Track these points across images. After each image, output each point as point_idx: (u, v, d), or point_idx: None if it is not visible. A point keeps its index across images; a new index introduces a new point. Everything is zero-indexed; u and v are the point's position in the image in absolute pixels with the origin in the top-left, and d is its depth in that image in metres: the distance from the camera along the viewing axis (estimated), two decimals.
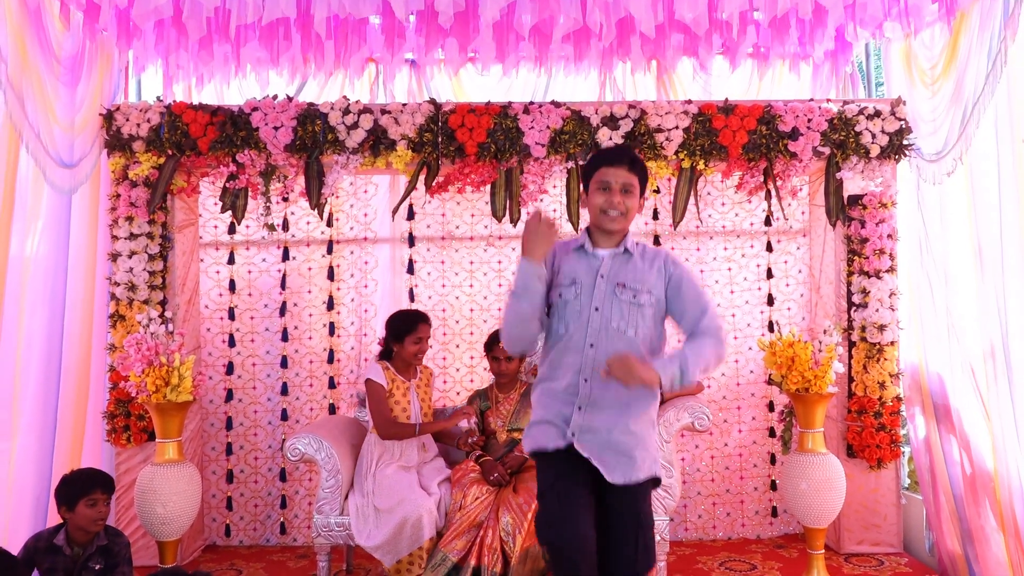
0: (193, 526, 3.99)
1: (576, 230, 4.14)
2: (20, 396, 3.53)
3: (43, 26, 3.57)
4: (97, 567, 3.08)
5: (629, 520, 2.42)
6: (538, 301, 2.42)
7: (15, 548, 3.11)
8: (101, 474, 3.18)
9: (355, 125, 4.02)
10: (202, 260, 4.47)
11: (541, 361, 2.55)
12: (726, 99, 4.13)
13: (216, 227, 4.51)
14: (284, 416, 4.48)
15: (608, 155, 2.52)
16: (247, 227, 4.44)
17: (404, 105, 4.09)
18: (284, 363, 4.48)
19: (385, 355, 3.85)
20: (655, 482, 2.50)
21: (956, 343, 3.79)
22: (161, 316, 3.77)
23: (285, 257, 4.48)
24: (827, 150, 4.07)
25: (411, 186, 4.08)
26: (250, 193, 4.11)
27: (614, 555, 2.39)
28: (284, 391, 4.48)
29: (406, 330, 3.78)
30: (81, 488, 3.06)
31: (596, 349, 2.41)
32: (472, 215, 4.61)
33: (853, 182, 4.13)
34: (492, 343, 3.92)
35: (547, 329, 2.51)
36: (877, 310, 4.04)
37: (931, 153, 3.92)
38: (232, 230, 4.38)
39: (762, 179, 4.14)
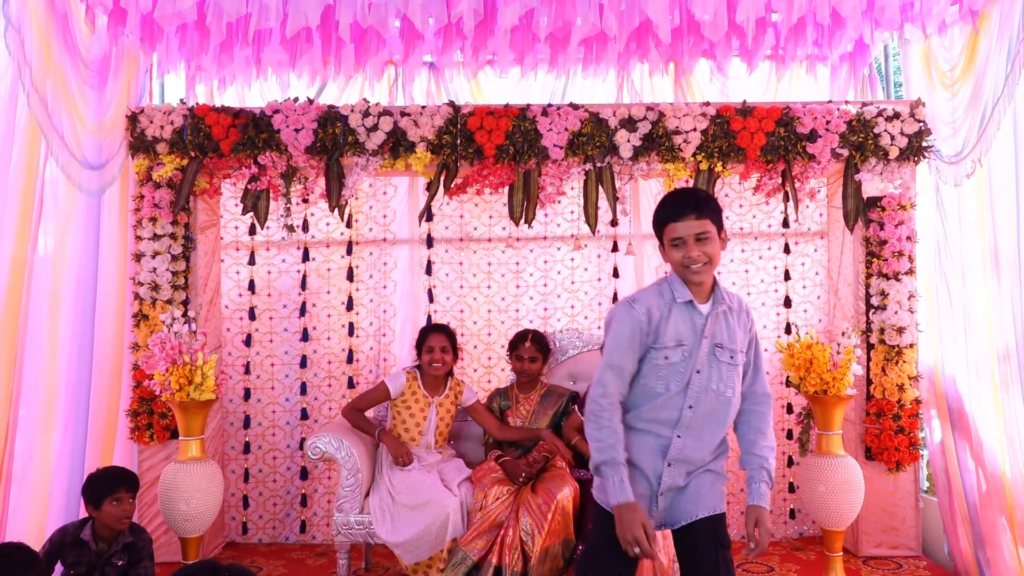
0: (214, 524, 4.04)
1: (593, 231, 4.16)
2: (55, 393, 3.60)
3: (70, 29, 3.62)
4: (120, 563, 3.12)
5: (710, 548, 2.36)
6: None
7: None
8: (126, 473, 3.22)
9: (375, 127, 4.05)
10: (222, 261, 4.52)
11: (632, 405, 2.40)
12: (744, 101, 4.13)
13: (237, 228, 4.56)
14: (304, 415, 4.52)
15: (671, 210, 2.36)
16: (267, 228, 4.48)
17: (423, 107, 4.12)
18: (303, 363, 4.52)
19: (420, 367, 3.94)
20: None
21: (971, 346, 3.78)
22: (184, 316, 3.82)
23: (305, 258, 4.52)
24: (845, 152, 4.07)
25: (434, 189, 4.11)
26: (271, 195, 4.16)
27: None
28: (303, 391, 4.53)
29: (420, 341, 3.92)
30: (106, 487, 3.10)
31: (694, 410, 2.36)
32: (490, 217, 4.63)
33: (872, 184, 4.12)
34: (517, 342, 3.95)
35: (640, 379, 2.39)
36: (896, 312, 4.03)
37: (950, 155, 3.91)
38: (253, 231, 4.43)
39: (780, 181, 4.14)
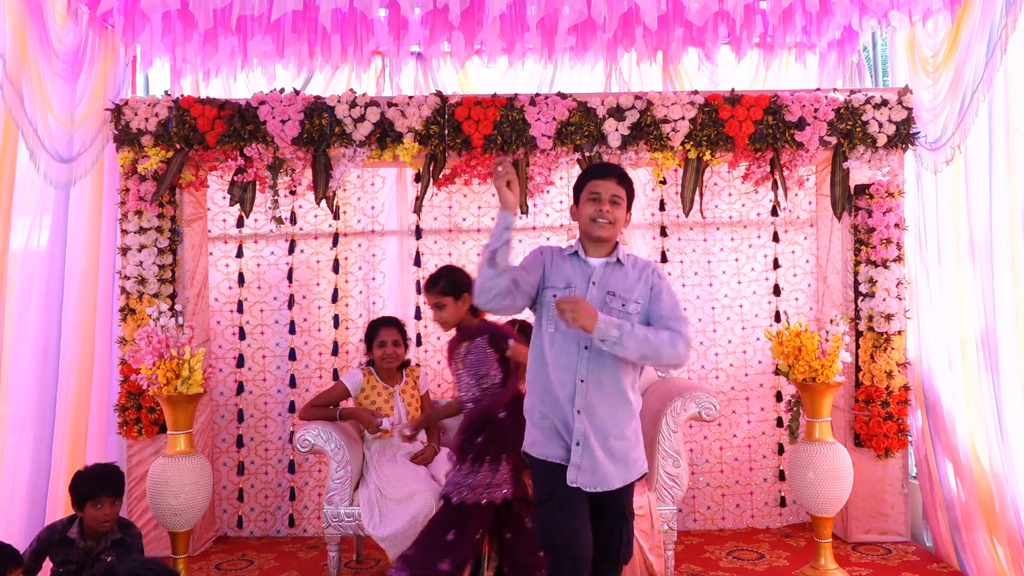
0: (205, 517, 4.03)
1: None
2: (13, 390, 3.48)
3: (43, 20, 3.56)
4: (109, 559, 3.11)
5: (617, 517, 2.61)
6: (510, 261, 2.53)
7: (8, 540, 3.12)
8: (110, 475, 3.16)
9: (362, 118, 4.02)
10: (211, 254, 4.49)
11: (534, 357, 2.64)
12: (732, 89, 4.12)
13: (224, 221, 4.53)
14: (292, 408, 4.51)
15: (598, 169, 2.71)
16: (255, 220, 4.46)
17: (410, 98, 4.09)
18: (292, 355, 4.51)
19: (372, 363, 3.94)
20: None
21: (948, 336, 3.81)
22: (171, 309, 3.79)
23: (292, 250, 4.50)
24: (834, 140, 4.06)
25: (426, 181, 4.08)
26: (258, 186, 4.13)
27: (601, 548, 2.58)
28: (292, 383, 4.51)
29: (370, 337, 3.92)
30: (88, 491, 3.07)
31: (590, 352, 2.52)
32: (479, 207, 4.62)
33: (860, 171, 4.12)
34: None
35: (537, 325, 2.64)
36: (884, 299, 4.04)
37: (930, 142, 3.93)
38: (240, 224, 4.40)
39: (769, 169, 4.14)
